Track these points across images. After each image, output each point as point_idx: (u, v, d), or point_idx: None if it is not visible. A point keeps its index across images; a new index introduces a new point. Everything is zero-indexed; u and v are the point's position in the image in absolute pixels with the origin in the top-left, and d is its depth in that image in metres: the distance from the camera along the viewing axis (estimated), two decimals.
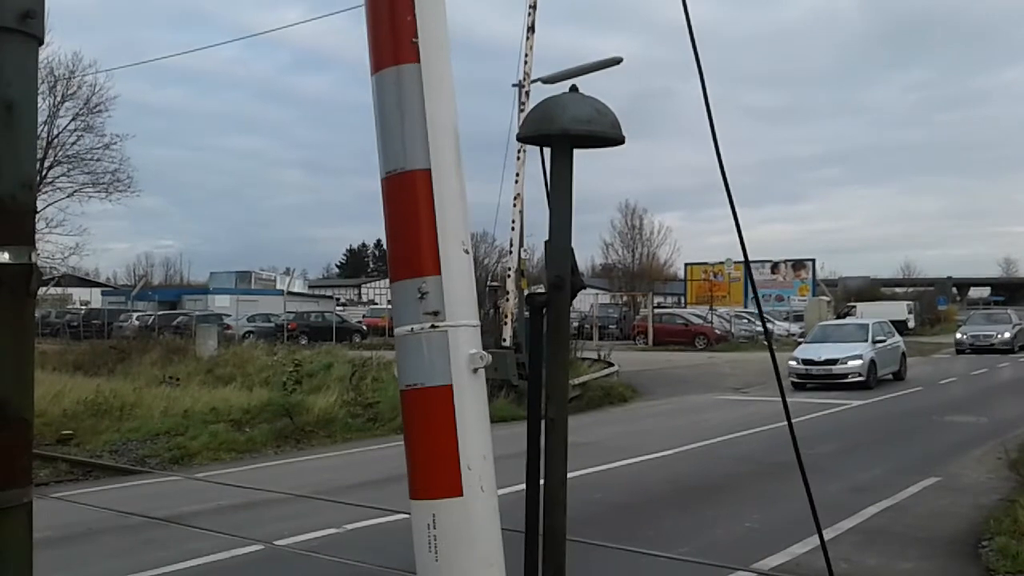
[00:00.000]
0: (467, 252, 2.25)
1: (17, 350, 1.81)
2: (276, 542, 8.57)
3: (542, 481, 2.83)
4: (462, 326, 2.21)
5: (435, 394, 2.18)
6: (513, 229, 21.08)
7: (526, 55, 20.59)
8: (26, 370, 1.85)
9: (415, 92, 2.14)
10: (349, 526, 9.08)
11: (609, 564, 7.58)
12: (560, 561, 2.81)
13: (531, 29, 20.51)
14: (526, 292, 21.15)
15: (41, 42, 1.89)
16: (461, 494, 2.17)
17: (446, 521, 2.17)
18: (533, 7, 20.31)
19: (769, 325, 50.20)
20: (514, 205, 21.03)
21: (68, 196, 36.25)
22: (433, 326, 2.18)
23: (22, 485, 1.81)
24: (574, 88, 2.67)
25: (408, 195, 2.18)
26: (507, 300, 20.89)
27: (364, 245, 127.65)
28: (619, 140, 2.62)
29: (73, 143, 36.44)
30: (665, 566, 7.72)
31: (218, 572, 7.78)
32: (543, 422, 2.75)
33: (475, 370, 2.23)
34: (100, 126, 37.08)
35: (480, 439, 2.24)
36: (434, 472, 2.19)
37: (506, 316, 20.79)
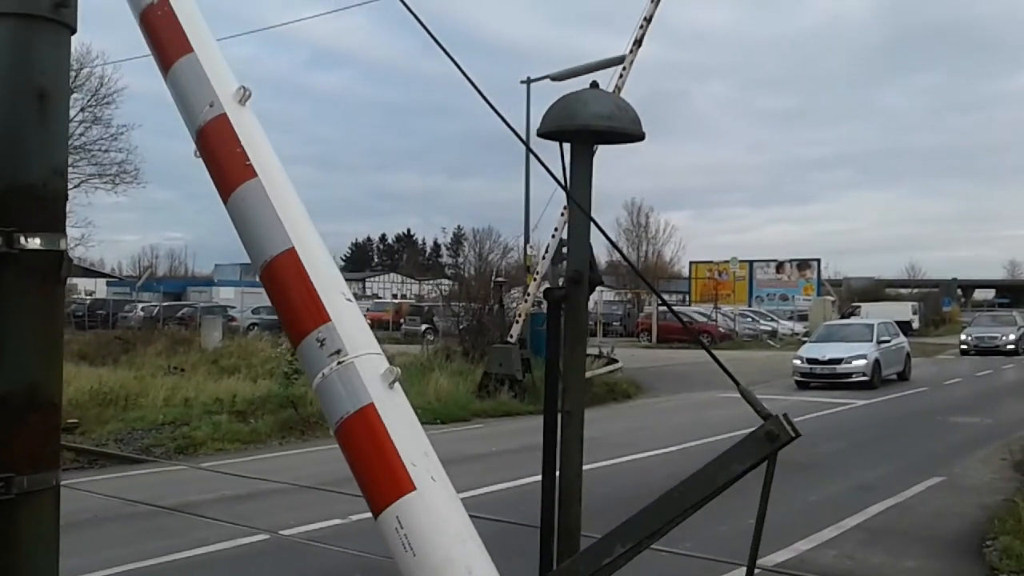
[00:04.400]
0: (350, 300, 2.57)
1: (47, 335, 1.83)
2: (282, 532, 8.60)
3: (557, 473, 2.85)
4: (365, 355, 2.45)
5: (362, 415, 2.37)
6: (554, 236, 20.85)
7: (624, 67, 19.97)
8: (55, 355, 1.88)
9: (264, 196, 2.61)
10: (354, 517, 9.10)
11: None
12: (575, 553, 2.83)
13: (638, 43, 19.97)
14: (540, 288, 21.29)
15: (74, 31, 1.91)
16: (415, 488, 2.30)
17: (410, 516, 2.28)
18: (648, 20, 19.79)
19: (773, 324, 50.31)
20: (562, 215, 19.92)
21: (75, 187, 36.32)
22: (339, 362, 2.42)
23: (52, 468, 1.84)
24: (595, 84, 2.68)
25: (284, 272, 2.54)
26: (525, 301, 21.11)
27: (369, 239, 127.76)
28: (639, 136, 2.63)
29: (80, 134, 36.51)
30: (670, 561, 7.74)
31: (224, 561, 7.82)
32: (559, 415, 2.77)
33: (391, 384, 2.43)
34: (108, 117, 37.16)
35: (416, 439, 2.40)
36: (384, 481, 2.33)
37: (519, 316, 20.94)
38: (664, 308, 52.40)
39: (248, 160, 2.63)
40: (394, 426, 2.36)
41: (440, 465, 2.43)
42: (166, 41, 2.74)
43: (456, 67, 2.58)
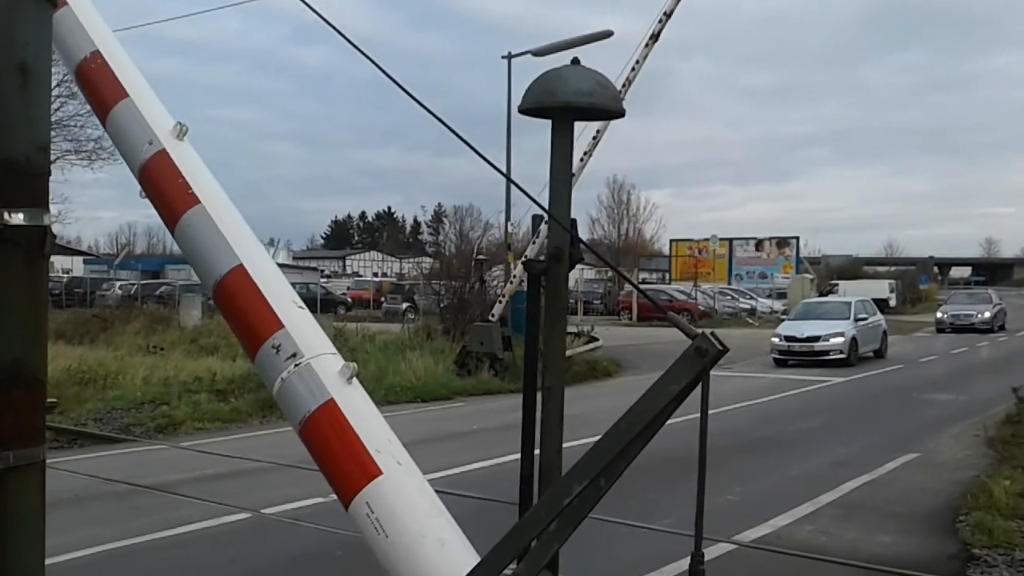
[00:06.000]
0: (301, 308, 2.69)
1: (32, 311, 1.84)
2: (263, 510, 8.62)
3: (536, 450, 2.88)
4: (320, 355, 2.56)
5: (323, 411, 2.46)
6: (545, 222, 20.97)
7: (637, 60, 19.67)
8: (40, 331, 1.88)
9: (209, 219, 2.73)
10: (334, 495, 9.13)
11: (596, 535, 7.66)
12: None
13: (655, 37, 19.67)
14: (515, 264, 21.40)
15: (56, 5, 1.90)
16: (381, 472, 2.38)
17: (379, 500, 2.36)
18: (668, 15, 19.50)
19: (752, 302, 50.62)
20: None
21: (51, 163, 35.89)
22: (296, 365, 2.51)
23: (37, 444, 1.85)
24: (576, 61, 2.69)
25: (235, 287, 2.64)
26: (511, 282, 21.26)
27: (349, 217, 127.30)
28: (620, 113, 2.64)
29: (56, 109, 36.02)
30: (650, 537, 7.83)
31: (206, 539, 7.83)
32: (539, 391, 2.79)
33: (349, 379, 2.53)
34: None
35: (378, 428, 2.49)
36: (352, 470, 2.42)
37: (503, 296, 21.11)
38: (642, 287, 52.53)
39: (190, 189, 2.77)
40: (356, 417, 2.45)
41: (404, 450, 2.51)
42: (103, 90, 2.91)
43: (408, 94, 2.61)
